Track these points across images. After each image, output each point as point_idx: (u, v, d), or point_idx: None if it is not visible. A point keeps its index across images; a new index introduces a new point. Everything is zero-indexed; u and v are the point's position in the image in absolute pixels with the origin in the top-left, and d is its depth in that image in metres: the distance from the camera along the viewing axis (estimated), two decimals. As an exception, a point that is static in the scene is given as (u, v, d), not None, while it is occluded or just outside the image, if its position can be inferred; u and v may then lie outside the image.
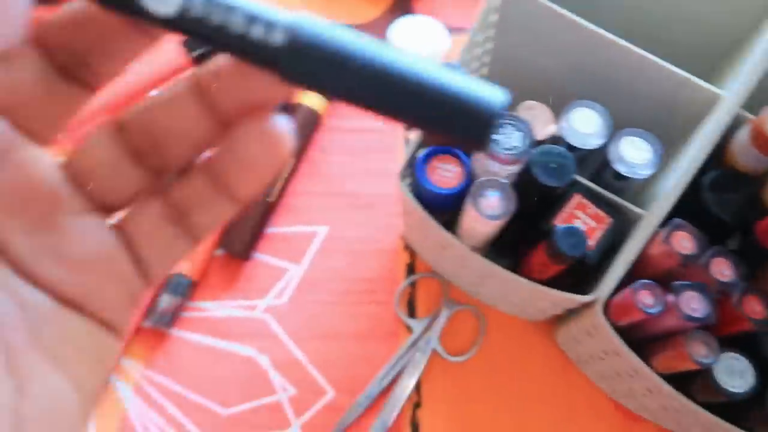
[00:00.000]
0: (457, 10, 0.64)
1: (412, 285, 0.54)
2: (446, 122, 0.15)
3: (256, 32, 0.15)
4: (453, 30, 0.62)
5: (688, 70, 0.42)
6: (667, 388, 0.40)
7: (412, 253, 0.55)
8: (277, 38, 0.15)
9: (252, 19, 0.15)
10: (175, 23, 0.15)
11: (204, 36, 0.15)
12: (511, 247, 0.46)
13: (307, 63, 0.15)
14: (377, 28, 0.62)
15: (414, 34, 0.61)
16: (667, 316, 0.38)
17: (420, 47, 0.60)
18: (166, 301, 0.51)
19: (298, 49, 0.15)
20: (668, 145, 0.45)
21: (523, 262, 0.45)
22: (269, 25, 0.15)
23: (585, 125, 0.42)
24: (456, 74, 0.15)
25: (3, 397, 0.15)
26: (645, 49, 0.43)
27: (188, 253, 0.20)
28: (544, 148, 0.41)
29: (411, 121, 0.16)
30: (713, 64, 0.50)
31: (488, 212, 0.40)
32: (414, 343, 0.51)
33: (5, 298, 0.16)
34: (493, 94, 0.15)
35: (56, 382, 0.17)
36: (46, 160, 0.17)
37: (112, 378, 0.50)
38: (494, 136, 0.40)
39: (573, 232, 0.38)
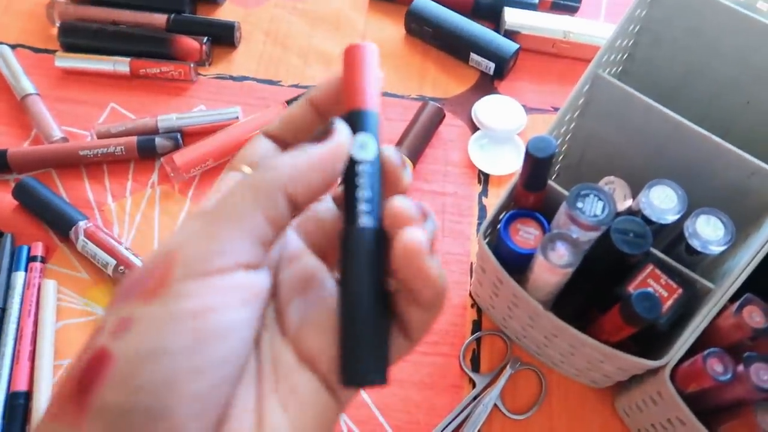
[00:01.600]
0: (534, 93, 0.69)
1: (478, 341, 0.56)
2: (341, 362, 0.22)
3: None
4: (530, 110, 0.67)
5: (762, 158, 0.46)
6: (732, 459, 0.41)
7: (479, 310, 0.58)
8: None
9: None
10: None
11: None
12: (581, 313, 0.49)
13: None
14: (462, 103, 0.68)
15: (495, 110, 0.66)
16: (736, 386, 0.40)
17: (500, 122, 0.65)
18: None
19: None
20: (741, 225, 0.48)
21: (593, 327, 0.48)
22: None
23: (662, 201, 0.45)
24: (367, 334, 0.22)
25: (245, 428, 0.20)
26: (723, 137, 0.46)
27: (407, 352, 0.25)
28: (625, 218, 0.44)
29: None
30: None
31: (557, 261, 0.43)
32: (476, 397, 0.53)
33: (268, 354, 0.22)
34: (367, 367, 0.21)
35: (283, 426, 0.21)
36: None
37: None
38: (579, 204, 0.43)
39: (649, 296, 0.41)
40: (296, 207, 0.22)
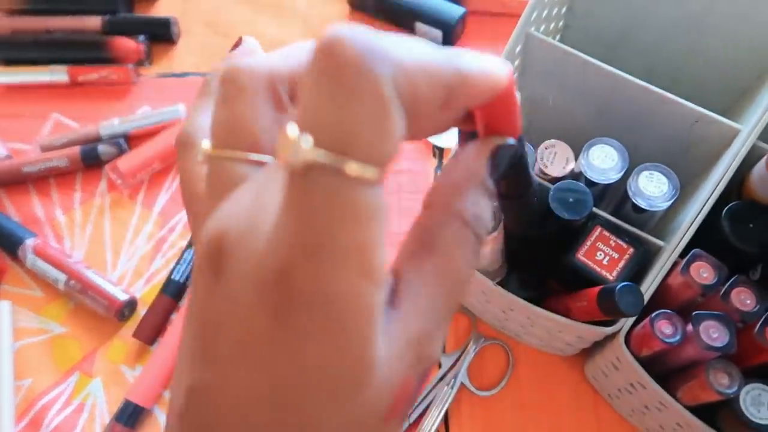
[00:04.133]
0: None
1: (442, 320, 0.55)
2: None
3: None
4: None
5: (711, 107, 0.44)
6: (693, 419, 0.40)
7: (442, 288, 0.56)
8: None
9: None
10: None
11: None
12: (538, 282, 0.47)
13: None
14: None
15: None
16: (687, 346, 0.39)
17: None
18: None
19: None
20: (688, 178, 0.46)
21: (557, 302, 0.46)
22: None
23: (602, 161, 0.44)
24: None
25: None
26: (668, 88, 0.44)
27: None
28: (562, 184, 0.42)
29: None
30: (735, 100, 0.51)
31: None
32: (442, 378, 0.52)
33: None
34: None
35: None
36: None
37: (155, 408, 0.52)
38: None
39: (632, 290, 0.38)
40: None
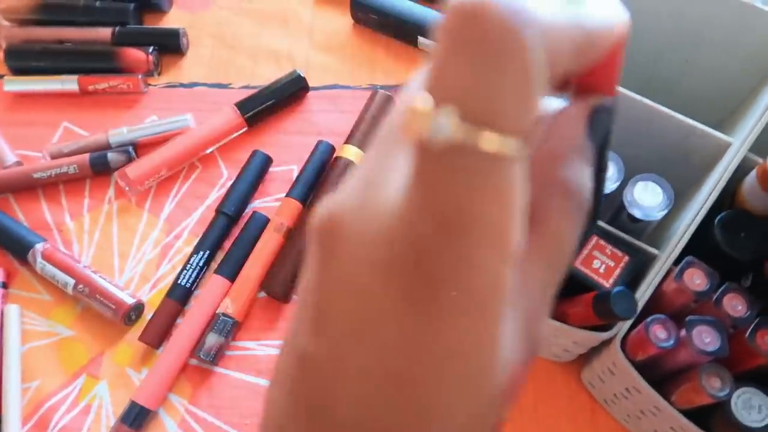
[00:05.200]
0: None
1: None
2: None
3: None
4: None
5: (707, 119, 0.45)
6: (687, 423, 0.41)
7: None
8: None
9: None
10: None
11: None
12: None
13: None
14: (411, 87, 0.67)
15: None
16: (681, 351, 0.40)
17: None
18: (211, 339, 0.54)
19: None
20: (683, 188, 0.47)
21: (553, 307, 0.47)
22: None
23: (599, 170, 0.45)
24: None
25: None
26: (665, 100, 0.45)
27: None
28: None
29: None
30: (731, 112, 0.52)
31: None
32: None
33: None
34: None
35: None
36: None
37: (160, 412, 0.53)
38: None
39: (625, 295, 0.40)
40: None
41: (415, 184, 0.13)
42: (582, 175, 0.17)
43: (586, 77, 0.18)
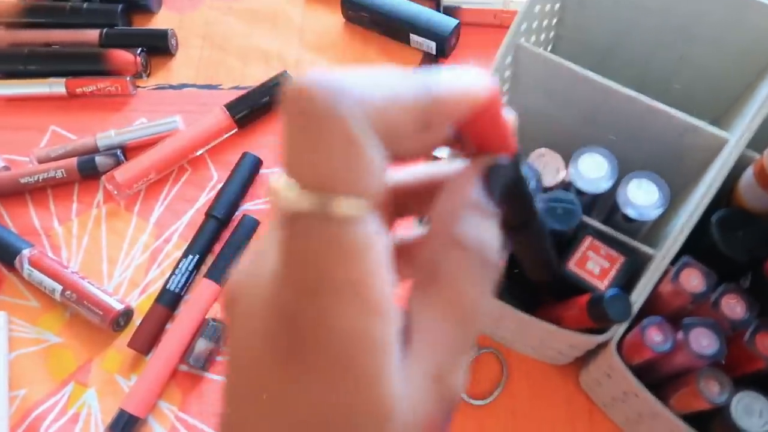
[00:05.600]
0: (483, 66, 0.67)
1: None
2: None
3: None
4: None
5: (704, 115, 0.44)
6: (686, 428, 0.40)
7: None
8: None
9: None
10: None
11: None
12: (526, 289, 0.47)
13: None
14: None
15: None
16: (678, 354, 0.39)
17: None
18: (201, 345, 0.53)
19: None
20: (680, 186, 0.46)
21: (549, 310, 0.46)
22: None
23: (593, 170, 0.44)
24: None
25: None
26: (660, 97, 0.44)
27: None
28: (551, 194, 0.42)
29: None
30: (728, 108, 0.51)
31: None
32: (438, 387, 0.52)
33: None
34: None
35: None
36: None
37: (149, 419, 0.52)
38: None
39: (620, 298, 0.38)
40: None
41: (279, 253, 0.15)
42: (480, 231, 0.17)
43: (476, 138, 0.19)
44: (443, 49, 0.66)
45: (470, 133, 0.19)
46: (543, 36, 0.53)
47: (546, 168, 0.46)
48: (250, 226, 0.58)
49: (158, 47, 0.68)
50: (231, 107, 0.63)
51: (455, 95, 0.17)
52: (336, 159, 0.14)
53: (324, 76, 0.14)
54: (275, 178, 0.14)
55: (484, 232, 0.18)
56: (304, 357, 0.14)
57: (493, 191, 0.18)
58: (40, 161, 0.62)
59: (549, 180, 0.46)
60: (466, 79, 0.17)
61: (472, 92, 0.17)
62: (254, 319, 0.15)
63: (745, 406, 0.39)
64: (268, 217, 0.17)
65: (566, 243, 0.44)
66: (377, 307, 0.15)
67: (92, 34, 0.67)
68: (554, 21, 0.53)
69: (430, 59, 0.68)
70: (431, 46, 0.66)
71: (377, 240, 0.15)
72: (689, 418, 0.41)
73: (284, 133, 0.14)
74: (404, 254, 0.19)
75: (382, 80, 0.15)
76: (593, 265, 0.44)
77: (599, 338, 0.42)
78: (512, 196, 0.21)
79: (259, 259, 0.16)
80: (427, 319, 0.17)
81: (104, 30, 0.67)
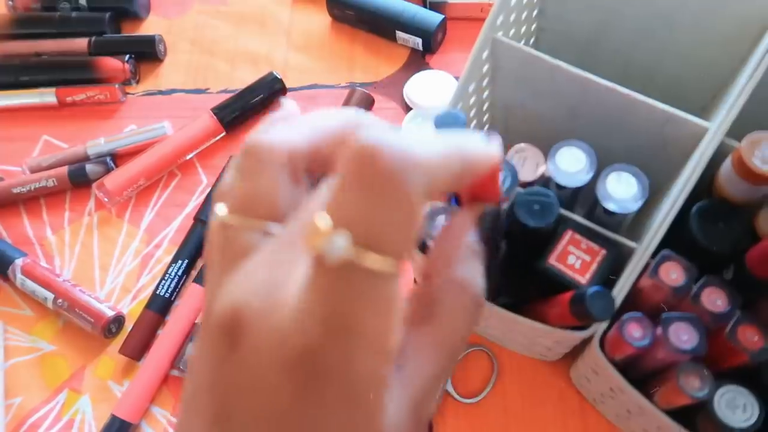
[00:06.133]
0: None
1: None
2: None
3: None
4: (463, 80, 0.65)
5: (689, 106, 0.43)
6: (670, 423, 0.39)
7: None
8: None
9: None
10: None
11: None
12: (511, 286, 0.47)
13: None
14: (395, 84, 0.66)
15: (428, 87, 0.64)
16: (658, 350, 0.38)
17: (432, 98, 0.63)
18: (191, 350, 0.54)
19: None
20: (663, 179, 0.45)
21: (532, 307, 0.46)
22: None
23: (571, 164, 0.43)
24: None
25: None
26: (644, 87, 0.43)
27: None
28: (529, 189, 0.42)
29: None
30: (712, 97, 0.50)
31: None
32: (428, 386, 0.52)
33: None
34: None
35: None
36: None
37: (142, 424, 0.53)
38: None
39: (603, 295, 0.38)
40: None
41: (309, 291, 0.15)
42: (473, 273, 0.20)
43: (473, 192, 0.22)
44: (430, 45, 0.65)
45: (469, 185, 0.21)
46: (524, 28, 0.52)
47: (526, 163, 0.46)
48: (239, 229, 0.58)
49: (146, 53, 0.68)
50: (218, 111, 0.63)
51: (480, 162, 0.19)
52: (394, 224, 0.15)
53: (394, 141, 0.15)
54: (320, 219, 0.15)
55: (476, 273, 0.20)
56: (322, 391, 0.16)
57: (481, 234, 0.21)
58: (33, 171, 0.63)
59: (529, 175, 0.45)
60: (484, 145, 0.19)
61: (490, 158, 0.19)
62: (269, 346, 0.16)
63: (728, 401, 0.38)
64: (282, 245, 0.17)
65: (547, 237, 0.44)
66: (390, 355, 0.16)
67: (81, 43, 0.68)
68: (534, 12, 0.52)
69: (418, 55, 0.67)
70: (418, 42, 0.65)
71: (401, 297, 0.16)
72: (675, 414, 0.40)
73: (347, 185, 0.15)
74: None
75: (434, 148, 0.17)
76: (574, 259, 0.43)
77: (582, 334, 0.42)
78: (492, 232, 0.24)
79: (274, 287, 0.17)
80: (420, 350, 0.19)
81: (93, 38, 0.68)
